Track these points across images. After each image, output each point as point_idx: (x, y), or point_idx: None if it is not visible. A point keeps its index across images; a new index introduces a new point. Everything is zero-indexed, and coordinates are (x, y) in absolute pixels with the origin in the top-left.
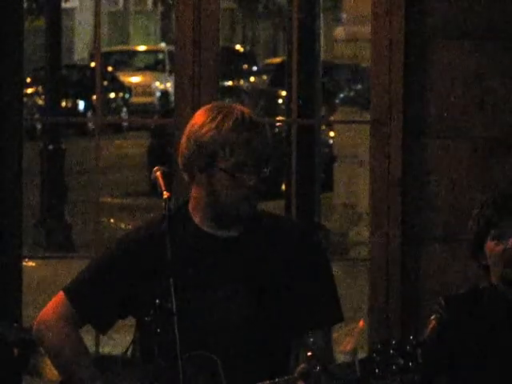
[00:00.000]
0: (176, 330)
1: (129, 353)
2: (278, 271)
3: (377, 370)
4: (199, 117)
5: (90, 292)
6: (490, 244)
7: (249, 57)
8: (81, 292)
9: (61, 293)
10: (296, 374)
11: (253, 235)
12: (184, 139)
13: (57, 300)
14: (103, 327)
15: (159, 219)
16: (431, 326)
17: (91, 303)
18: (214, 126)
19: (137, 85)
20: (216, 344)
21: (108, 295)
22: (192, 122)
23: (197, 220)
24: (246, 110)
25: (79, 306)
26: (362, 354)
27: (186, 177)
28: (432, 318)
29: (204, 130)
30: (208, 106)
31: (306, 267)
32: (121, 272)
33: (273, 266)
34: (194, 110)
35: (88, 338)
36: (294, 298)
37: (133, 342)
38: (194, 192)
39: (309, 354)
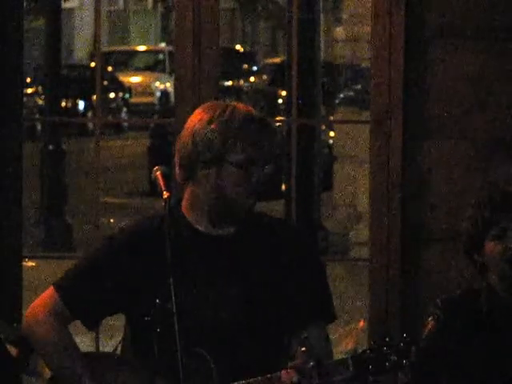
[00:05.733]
0: (176, 330)
1: (118, 350)
2: (270, 270)
3: (370, 367)
4: (203, 113)
5: (81, 288)
6: (489, 244)
7: (249, 57)
8: (71, 288)
9: (51, 288)
10: (289, 369)
11: (246, 234)
12: (186, 136)
13: (47, 295)
14: (92, 323)
15: (150, 218)
16: (429, 327)
17: (81, 299)
18: (224, 120)
19: (137, 85)
20: (209, 341)
21: (98, 292)
22: (195, 118)
23: (191, 219)
24: (249, 107)
25: (69, 301)
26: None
27: (182, 175)
28: (429, 319)
29: (213, 125)
30: (208, 104)
31: (298, 266)
32: (111, 269)
33: (265, 265)
34: (194, 110)
35: (88, 338)
36: (286, 297)
37: (123, 339)
38: (190, 190)
39: (302, 349)
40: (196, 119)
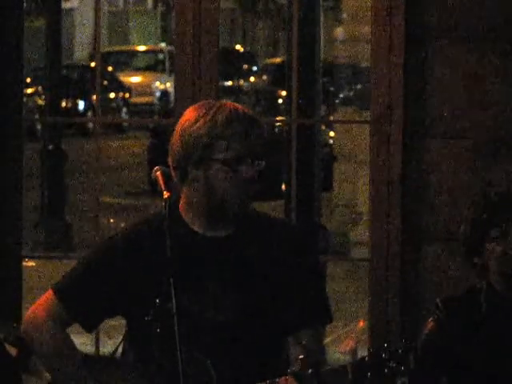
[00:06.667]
0: (176, 330)
1: (118, 351)
2: (268, 271)
3: (369, 374)
4: (190, 113)
5: (80, 291)
6: (490, 245)
7: (249, 57)
8: (70, 291)
9: (50, 291)
10: (287, 376)
11: (244, 235)
12: (176, 137)
13: (45, 298)
14: (91, 326)
15: (149, 218)
16: (429, 327)
17: (80, 302)
18: (208, 119)
19: (137, 85)
20: (208, 342)
21: (97, 294)
22: (183, 119)
23: (188, 220)
24: (238, 105)
25: (68, 304)
26: (361, 354)
27: (176, 176)
28: (430, 319)
29: (198, 124)
30: (198, 104)
31: (296, 267)
32: (110, 271)
33: (263, 266)
34: None
35: (88, 338)
36: (283, 298)
37: (122, 341)
38: (185, 191)
39: (301, 356)
40: (185, 119)
